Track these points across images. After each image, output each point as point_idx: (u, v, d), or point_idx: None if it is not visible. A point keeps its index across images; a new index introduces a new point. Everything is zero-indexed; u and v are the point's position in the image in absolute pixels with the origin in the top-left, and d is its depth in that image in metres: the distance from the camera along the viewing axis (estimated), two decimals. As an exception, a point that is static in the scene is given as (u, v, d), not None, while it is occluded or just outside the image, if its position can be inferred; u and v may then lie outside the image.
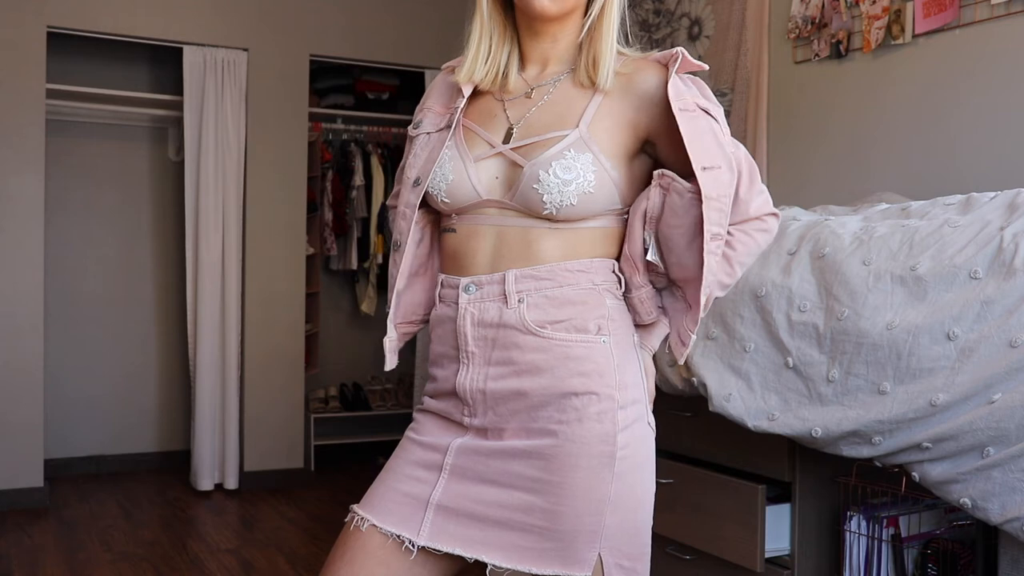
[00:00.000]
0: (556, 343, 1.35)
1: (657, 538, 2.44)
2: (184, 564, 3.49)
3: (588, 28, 1.40)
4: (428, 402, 1.48)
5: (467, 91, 1.42)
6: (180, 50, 4.68)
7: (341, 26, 4.87)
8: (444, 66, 1.53)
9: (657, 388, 2.36)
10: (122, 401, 5.09)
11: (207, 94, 4.63)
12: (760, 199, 1.42)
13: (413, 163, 1.45)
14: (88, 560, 3.51)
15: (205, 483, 4.61)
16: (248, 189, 4.73)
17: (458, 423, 1.41)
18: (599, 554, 1.36)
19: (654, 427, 1.48)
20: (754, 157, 3.44)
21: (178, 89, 4.78)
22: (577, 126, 1.35)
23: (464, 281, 1.38)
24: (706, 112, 1.35)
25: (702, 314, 1.41)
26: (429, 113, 1.47)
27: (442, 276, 1.43)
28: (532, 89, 1.42)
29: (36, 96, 4.31)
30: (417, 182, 1.42)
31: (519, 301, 1.36)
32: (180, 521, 4.12)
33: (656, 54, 1.41)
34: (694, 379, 2.18)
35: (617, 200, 1.38)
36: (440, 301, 1.43)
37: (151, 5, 4.54)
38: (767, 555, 2.15)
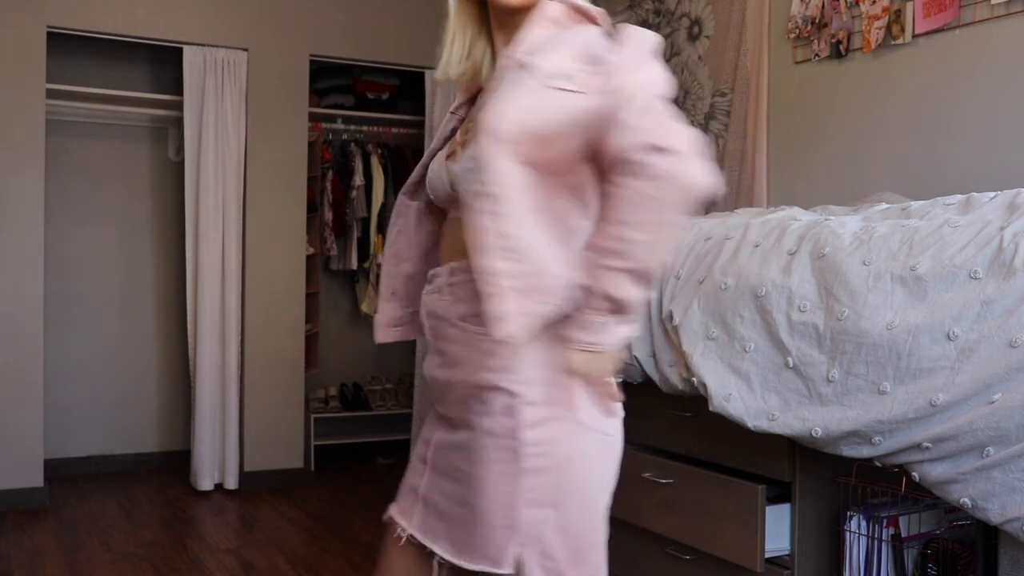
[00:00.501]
0: (473, 336, 1.36)
1: (657, 538, 2.45)
2: (184, 564, 3.49)
3: None
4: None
5: (461, 94, 1.51)
6: (180, 50, 4.68)
7: (341, 26, 4.87)
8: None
9: (657, 388, 2.37)
10: (122, 401, 5.09)
11: (207, 94, 4.63)
12: (629, 136, 1.26)
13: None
14: (88, 560, 3.51)
15: (205, 483, 4.61)
16: (248, 189, 4.73)
17: (436, 411, 1.51)
18: (520, 552, 1.36)
19: (608, 431, 1.41)
20: (754, 157, 3.47)
21: (178, 89, 4.78)
22: None
23: (430, 272, 1.48)
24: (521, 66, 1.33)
25: (612, 291, 1.29)
26: (437, 131, 1.58)
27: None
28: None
29: (36, 96, 4.31)
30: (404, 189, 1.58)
31: (450, 294, 1.40)
32: (180, 521, 4.12)
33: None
34: (694, 379, 2.18)
35: None
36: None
37: (151, 5, 4.54)
38: (767, 555, 2.14)
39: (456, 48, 1.45)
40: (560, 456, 1.36)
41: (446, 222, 1.49)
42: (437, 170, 1.47)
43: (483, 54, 1.47)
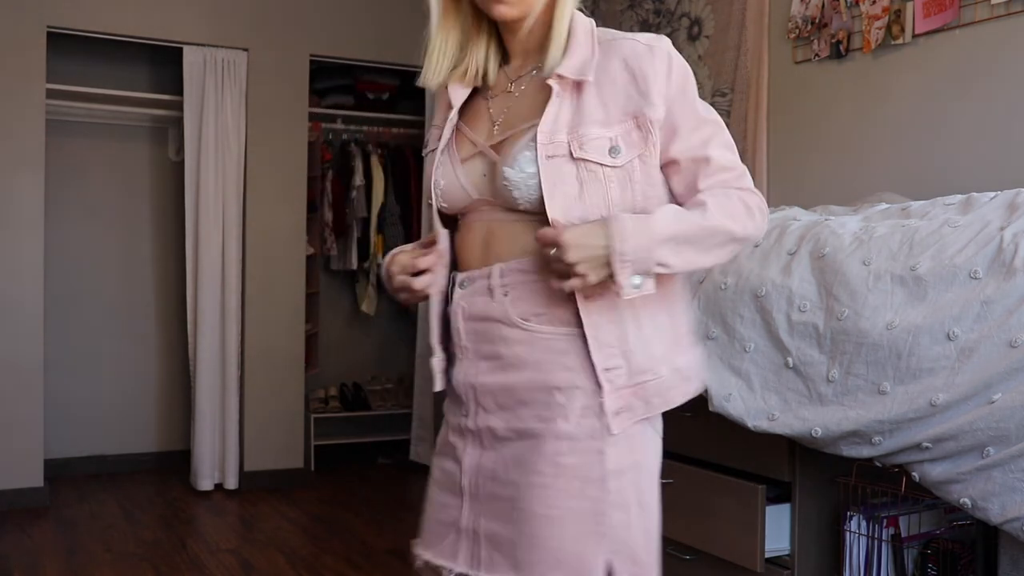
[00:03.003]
0: (540, 336, 1.32)
1: (657, 538, 2.45)
2: (184, 564, 3.49)
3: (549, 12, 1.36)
4: (445, 406, 1.49)
5: (456, 99, 1.43)
6: (180, 50, 4.68)
7: (341, 26, 4.87)
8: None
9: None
10: (122, 401, 5.08)
11: (207, 94, 4.63)
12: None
13: (428, 183, 1.45)
14: (88, 560, 3.51)
15: (205, 483, 4.61)
16: (248, 189, 4.73)
17: (462, 430, 1.41)
18: (611, 559, 1.30)
19: (658, 427, 1.40)
20: (754, 157, 3.47)
21: (178, 89, 4.78)
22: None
23: (460, 277, 1.39)
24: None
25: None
26: (435, 130, 1.47)
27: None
28: (512, 82, 1.41)
29: (36, 96, 4.31)
30: (431, 200, 1.44)
31: (504, 294, 1.34)
32: (180, 521, 4.12)
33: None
34: (694, 379, 2.18)
35: None
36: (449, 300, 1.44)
37: (151, 5, 4.54)
38: (767, 555, 2.14)
39: (436, 58, 1.41)
40: (638, 453, 1.34)
41: (468, 225, 1.41)
42: (450, 178, 1.40)
43: (484, 56, 1.43)
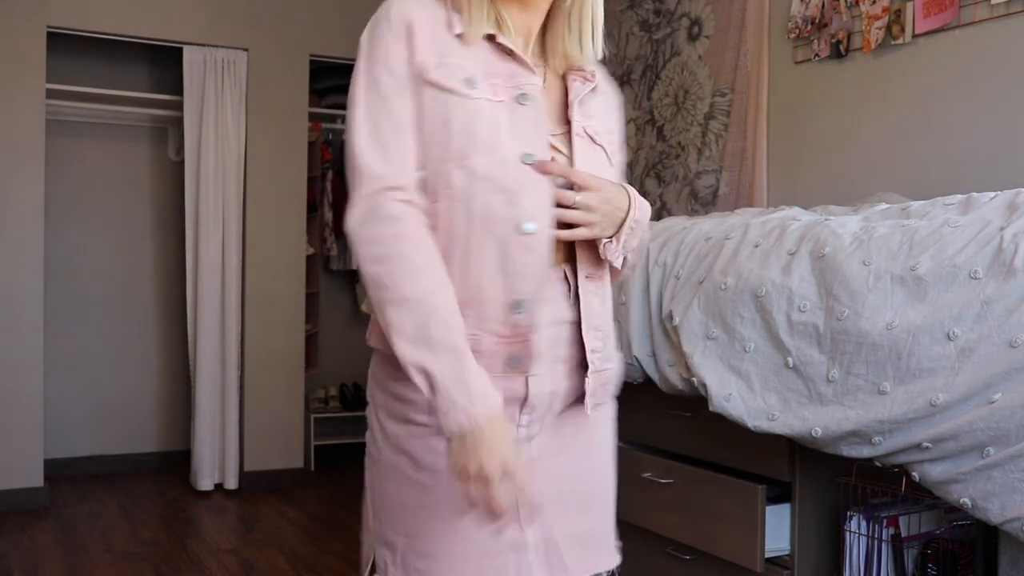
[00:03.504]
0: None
1: (657, 538, 2.45)
2: (184, 564, 3.49)
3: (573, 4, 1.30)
4: None
5: (526, 57, 1.27)
6: (180, 50, 4.68)
7: (341, 26, 4.87)
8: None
9: (657, 388, 2.37)
10: (122, 401, 5.09)
11: (207, 94, 4.63)
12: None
13: (496, 132, 1.20)
14: (88, 560, 3.51)
15: (205, 483, 4.61)
16: (248, 189, 4.73)
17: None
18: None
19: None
20: (754, 157, 3.47)
21: (178, 89, 4.78)
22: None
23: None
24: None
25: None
26: (479, 78, 1.23)
27: None
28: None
29: (36, 96, 4.31)
30: (529, 158, 1.21)
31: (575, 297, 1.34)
32: (180, 521, 4.12)
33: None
34: (694, 379, 2.18)
35: None
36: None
37: (151, 5, 4.54)
38: (767, 555, 2.14)
39: (475, 7, 1.24)
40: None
41: None
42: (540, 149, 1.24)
43: (501, 14, 1.28)
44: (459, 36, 1.23)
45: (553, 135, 1.27)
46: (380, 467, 1.30)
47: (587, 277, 1.29)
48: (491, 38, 1.25)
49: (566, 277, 1.29)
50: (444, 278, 1.17)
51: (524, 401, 1.24)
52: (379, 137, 1.20)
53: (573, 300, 1.29)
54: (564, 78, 1.33)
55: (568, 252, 1.29)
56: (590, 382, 1.28)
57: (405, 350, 1.13)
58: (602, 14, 1.33)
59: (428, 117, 1.21)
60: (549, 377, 1.25)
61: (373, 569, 1.30)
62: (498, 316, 1.20)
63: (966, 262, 1.72)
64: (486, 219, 1.19)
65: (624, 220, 1.27)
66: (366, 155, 1.20)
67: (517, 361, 1.22)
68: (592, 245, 1.28)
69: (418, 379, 1.13)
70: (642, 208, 1.31)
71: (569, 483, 1.31)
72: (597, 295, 1.30)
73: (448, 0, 1.26)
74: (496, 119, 1.21)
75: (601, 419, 1.37)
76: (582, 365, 1.29)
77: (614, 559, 1.36)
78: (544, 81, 1.29)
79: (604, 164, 1.31)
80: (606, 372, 1.33)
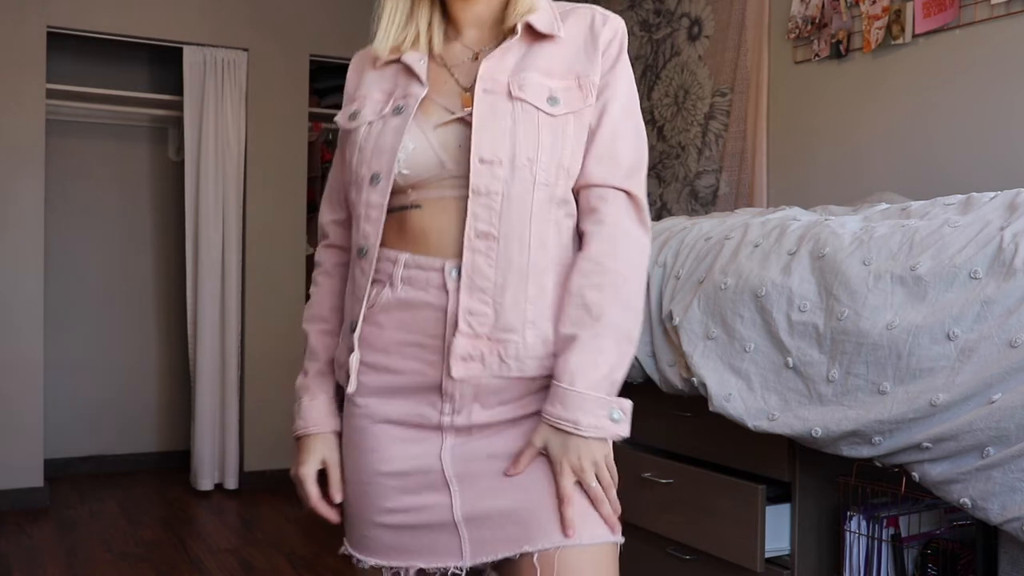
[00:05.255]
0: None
1: (657, 538, 2.45)
2: (184, 564, 3.49)
3: None
4: (372, 405, 1.31)
5: (417, 66, 1.30)
6: (180, 50, 4.68)
7: (341, 26, 4.87)
8: (359, 54, 1.43)
9: (657, 388, 2.37)
10: (122, 401, 5.09)
11: (207, 94, 4.63)
12: None
13: (361, 158, 1.29)
14: (88, 560, 3.51)
15: (205, 483, 4.61)
16: (248, 189, 4.73)
17: (429, 426, 1.29)
18: None
19: None
20: (754, 157, 3.47)
21: (178, 89, 4.78)
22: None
23: (449, 265, 1.24)
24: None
25: None
26: (367, 101, 1.33)
27: (405, 256, 1.27)
28: (478, 52, 1.31)
29: (36, 96, 4.31)
30: (376, 179, 1.27)
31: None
32: (180, 521, 4.12)
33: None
34: (694, 379, 2.18)
35: None
36: (404, 283, 1.27)
37: (151, 5, 4.54)
38: (767, 555, 2.14)
39: (385, 24, 1.34)
40: None
41: (432, 203, 1.27)
42: (422, 144, 1.26)
43: (427, 25, 1.34)
44: (375, 66, 1.36)
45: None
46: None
47: (478, 236, 1.23)
48: (396, 59, 1.34)
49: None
50: (324, 314, 1.42)
51: (440, 388, 1.26)
52: (328, 187, 1.46)
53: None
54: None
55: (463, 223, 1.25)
56: (459, 344, 1.23)
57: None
58: None
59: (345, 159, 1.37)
60: (465, 371, 1.24)
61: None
62: (347, 333, 1.34)
63: (966, 262, 1.72)
64: (354, 246, 1.34)
65: (598, 440, 1.24)
66: (322, 203, 1.47)
67: (346, 376, 1.33)
68: (489, 201, 1.23)
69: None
70: (591, 409, 1.22)
71: (500, 464, 1.27)
72: (489, 256, 1.23)
73: None
74: (365, 143, 1.30)
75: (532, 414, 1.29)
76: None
77: (550, 540, 1.24)
78: (476, 59, 1.31)
79: (524, 116, 1.25)
80: (508, 343, 1.24)
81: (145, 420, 5.15)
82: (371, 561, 1.32)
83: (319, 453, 1.37)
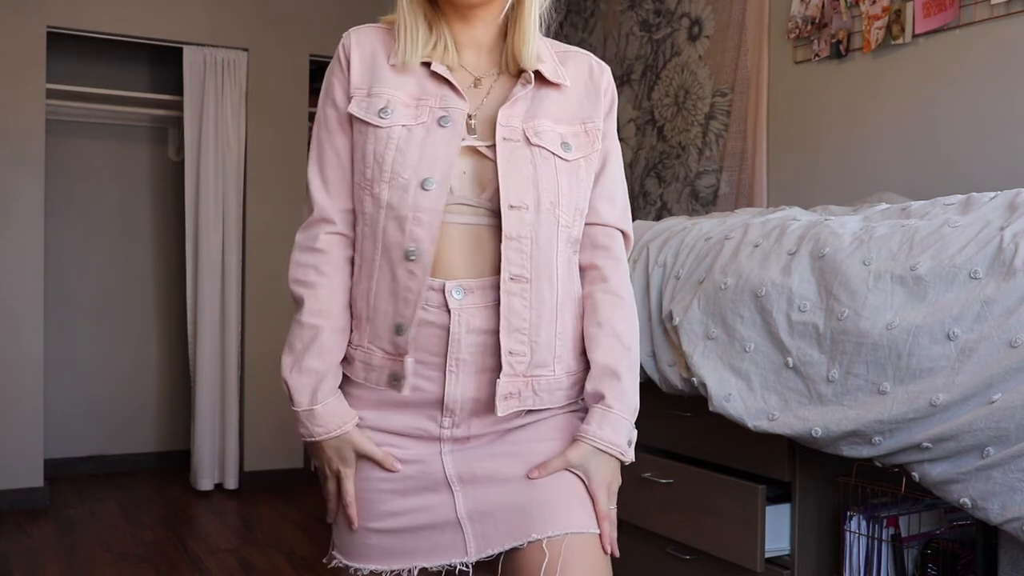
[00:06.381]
0: None
1: (657, 538, 2.45)
2: (184, 564, 3.49)
3: (511, 8, 1.33)
4: (370, 418, 1.34)
5: (454, 80, 1.31)
6: (180, 50, 4.68)
7: (341, 26, 4.84)
8: (355, 39, 1.37)
9: (657, 388, 2.37)
10: (122, 401, 5.09)
11: (207, 94, 4.63)
12: None
13: (404, 161, 1.28)
14: (88, 560, 3.51)
15: (205, 483, 4.61)
16: (248, 189, 4.73)
17: (428, 437, 1.32)
18: None
19: None
20: (754, 157, 3.47)
21: (178, 89, 4.78)
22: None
23: (450, 285, 1.27)
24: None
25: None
26: (395, 102, 1.31)
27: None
28: (478, 78, 1.35)
29: (36, 96, 4.31)
30: (427, 184, 1.27)
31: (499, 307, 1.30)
32: (180, 521, 4.12)
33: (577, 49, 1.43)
34: (694, 379, 2.18)
35: None
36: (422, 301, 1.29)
37: (151, 5, 4.54)
38: (767, 555, 2.14)
39: (409, 35, 1.33)
40: None
41: (444, 228, 1.28)
42: (448, 165, 1.27)
43: (433, 45, 1.34)
44: (393, 65, 1.33)
45: (489, 146, 1.29)
46: None
47: (512, 279, 1.28)
48: (427, 64, 1.33)
49: (495, 286, 1.29)
50: (336, 311, 1.34)
51: (442, 404, 1.30)
52: (323, 170, 1.35)
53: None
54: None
55: (496, 259, 1.29)
56: (502, 384, 1.28)
57: (284, 362, 1.38)
58: (536, 17, 1.35)
59: (355, 147, 1.33)
60: (472, 384, 1.30)
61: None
62: (386, 335, 1.31)
63: (966, 262, 1.72)
64: (385, 245, 1.29)
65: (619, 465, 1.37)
66: (313, 184, 1.36)
67: (395, 378, 1.31)
68: (520, 245, 1.28)
69: (284, 387, 1.37)
70: (618, 436, 1.35)
71: (503, 463, 1.33)
72: (524, 298, 1.29)
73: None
74: (406, 145, 1.28)
75: (547, 432, 1.34)
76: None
77: (557, 527, 1.29)
78: (488, 92, 1.34)
79: (543, 162, 1.30)
80: (541, 379, 1.32)
81: (145, 420, 5.15)
82: (370, 567, 1.33)
83: (347, 450, 1.33)
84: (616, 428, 1.33)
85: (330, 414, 1.32)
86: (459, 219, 1.29)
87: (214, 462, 4.66)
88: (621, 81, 4.20)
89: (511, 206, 1.26)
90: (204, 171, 4.62)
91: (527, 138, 1.30)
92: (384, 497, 1.32)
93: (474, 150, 1.29)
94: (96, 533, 3.87)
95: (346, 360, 1.36)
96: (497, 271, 1.28)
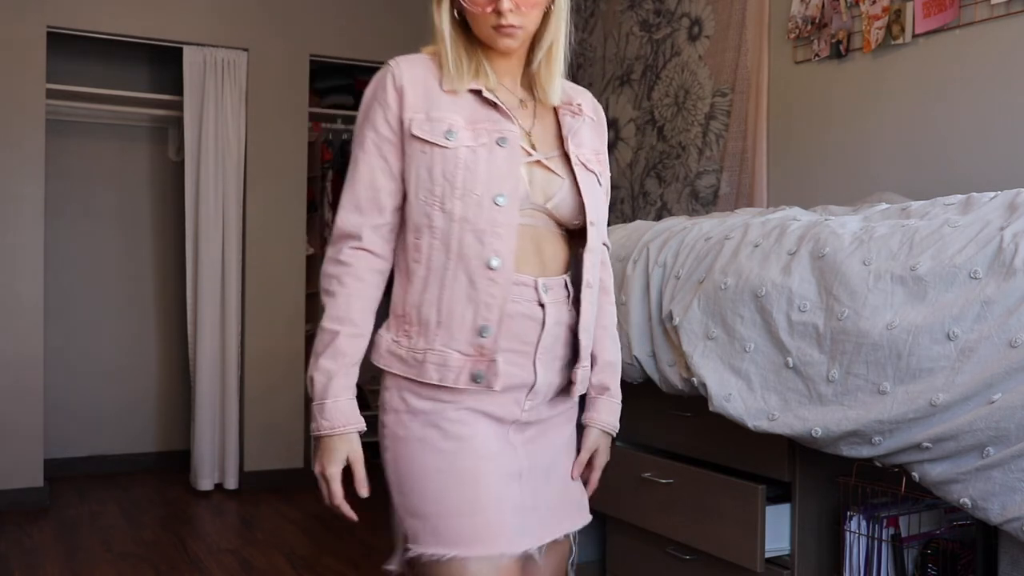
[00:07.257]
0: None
1: (657, 538, 2.45)
2: (184, 564, 3.49)
3: (546, 48, 1.51)
4: (470, 401, 1.46)
5: (504, 105, 1.48)
6: (180, 50, 4.68)
7: (341, 26, 4.87)
8: (404, 67, 1.48)
9: (657, 388, 2.37)
10: (122, 401, 5.09)
11: (207, 94, 4.64)
12: None
13: (474, 179, 1.42)
14: (88, 560, 3.52)
15: (205, 483, 4.61)
16: (248, 189, 4.73)
17: (503, 419, 1.49)
18: None
19: None
20: (754, 157, 3.47)
21: (178, 89, 4.78)
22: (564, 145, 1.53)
23: (541, 281, 1.47)
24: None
25: None
26: (455, 125, 1.44)
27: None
28: (521, 99, 1.53)
29: (36, 96, 4.31)
30: (499, 199, 1.42)
31: (576, 303, 1.54)
32: (180, 521, 4.12)
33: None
34: (694, 379, 2.18)
35: None
36: (510, 299, 1.45)
37: (151, 5, 4.54)
38: (767, 555, 2.14)
39: (455, 63, 1.46)
40: None
41: (520, 230, 1.45)
42: (519, 179, 1.47)
43: (481, 64, 1.49)
44: (447, 92, 1.47)
45: (548, 157, 1.50)
46: (408, 443, 1.49)
47: (588, 286, 1.52)
48: (476, 92, 1.47)
49: (567, 285, 1.52)
50: (354, 318, 1.47)
51: (531, 388, 1.48)
52: (355, 190, 1.47)
53: (573, 305, 1.54)
54: (556, 111, 1.56)
55: (557, 259, 1.53)
56: (579, 373, 1.54)
57: (311, 361, 1.49)
58: (563, 53, 1.54)
59: (415, 166, 1.44)
60: (550, 370, 1.51)
61: (406, 540, 1.50)
62: (465, 337, 1.43)
63: (966, 262, 1.72)
64: (460, 255, 1.42)
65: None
66: (343, 203, 1.49)
67: (480, 376, 1.43)
68: (593, 257, 1.53)
69: (308, 383, 1.48)
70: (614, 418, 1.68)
71: (551, 459, 1.57)
72: (592, 303, 1.54)
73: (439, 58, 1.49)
74: (474, 164, 1.43)
75: (570, 413, 1.62)
76: (569, 364, 1.54)
77: (583, 519, 1.62)
78: (534, 114, 1.53)
79: (595, 186, 1.53)
80: (585, 370, 1.58)
81: (145, 420, 5.15)
82: (499, 550, 1.42)
83: (343, 452, 1.48)
84: (614, 412, 1.66)
85: (339, 412, 1.46)
86: (525, 220, 1.47)
87: (214, 462, 4.66)
88: (621, 81, 4.20)
89: (591, 223, 1.51)
90: (204, 171, 4.62)
91: (583, 163, 1.52)
92: (493, 479, 1.45)
93: (538, 163, 1.48)
94: (96, 533, 3.87)
95: (411, 363, 1.47)
96: (560, 271, 1.51)
